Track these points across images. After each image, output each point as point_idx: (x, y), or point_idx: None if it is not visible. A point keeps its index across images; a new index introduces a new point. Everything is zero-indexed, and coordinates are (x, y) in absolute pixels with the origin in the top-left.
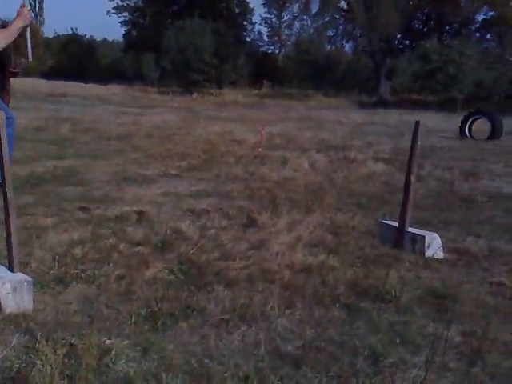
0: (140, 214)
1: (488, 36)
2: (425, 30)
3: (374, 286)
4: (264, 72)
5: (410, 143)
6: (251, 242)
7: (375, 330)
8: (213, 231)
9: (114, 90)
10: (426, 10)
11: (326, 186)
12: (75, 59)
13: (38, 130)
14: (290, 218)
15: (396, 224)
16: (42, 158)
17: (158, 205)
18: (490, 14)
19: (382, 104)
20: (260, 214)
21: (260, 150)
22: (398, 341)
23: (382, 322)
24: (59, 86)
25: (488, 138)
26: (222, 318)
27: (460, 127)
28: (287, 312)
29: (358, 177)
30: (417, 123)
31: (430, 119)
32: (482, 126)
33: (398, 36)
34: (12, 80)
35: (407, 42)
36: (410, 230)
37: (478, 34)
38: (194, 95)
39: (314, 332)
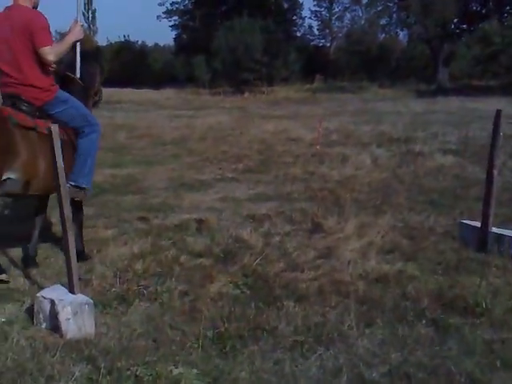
0: (199, 222)
1: None
2: (483, 11)
3: (460, 296)
4: (316, 66)
5: (478, 132)
6: (318, 249)
7: (470, 350)
8: (276, 238)
9: (166, 94)
10: None
11: (392, 184)
12: (128, 65)
13: None
14: (358, 221)
15: (478, 224)
16: (100, 167)
17: (217, 211)
18: None
19: (442, 91)
20: (325, 217)
21: (318, 147)
22: (498, 364)
23: (477, 341)
24: (114, 92)
25: None
26: (296, 340)
27: None
28: (367, 331)
29: (427, 171)
30: (498, 112)
31: (495, 105)
32: None
33: (455, 20)
34: None
35: (464, 25)
36: (495, 230)
37: None
38: (246, 94)
39: (399, 355)
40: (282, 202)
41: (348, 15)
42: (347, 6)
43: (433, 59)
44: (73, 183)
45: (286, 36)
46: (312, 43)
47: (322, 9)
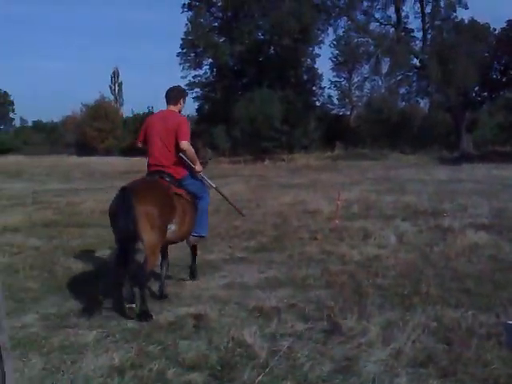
0: (198, 318)
1: None
2: (504, 79)
3: None
4: (336, 134)
5: (510, 203)
6: (336, 360)
7: None
8: (285, 343)
9: None
10: (504, 60)
11: (421, 267)
12: None
13: (104, 213)
14: (383, 320)
15: None
16: (105, 246)
17: (219, 303)
18: None
19: (466, 158)
20: (344, 313)
21: (337, 221)
22: None
23: None
24: (136, 162)
25: None
26: None
27: None
28: None
29: (458, 251)
30: None
31: None
32: None
33: (476, 88)
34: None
35: (485, 93)
36: None
37: None
38: (266, 162)
39: None
40: (295, 289)
41: (368, 84)
42: (366, 76)
43: (455, 126)
44: (196, 234)
45: (305, 105)
46: (332, 112)
47: (342, 79)
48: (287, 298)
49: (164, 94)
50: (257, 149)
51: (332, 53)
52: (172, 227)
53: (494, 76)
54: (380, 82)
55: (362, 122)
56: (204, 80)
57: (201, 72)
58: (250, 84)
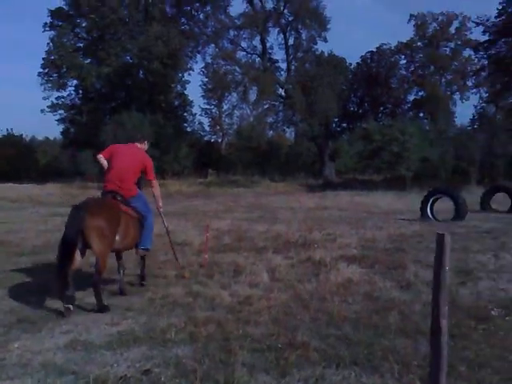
0: None
1: (421, 114)
2: (360, 111)
3: None
4: (208, 160)
5: (374, 231)
6: None
7: None
8: None
9: (50, 189)
10: (360, 93)
11: (295, 310)
12: (12, 160)
13: None
14: None
15: None
16: None
17: (52, 373)
18: (421, 93)
19: (329, 186)
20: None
21: (206, 256)
22: None
23: None
24: None
25: (453, 219)
26: None
27: (421, 208)
28: None
29: (332, 289)
30: (440, 237)
31: (382, 199)
32: (442, 205)
33: (335, 119)
34: None
35: (344, 124)
36: None
37: (411, 113)
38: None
39: None
40: (151, 347)
41: (237, 112)
42: (235, 104)
43: (319, 155)
44: (142, 247)
45: (176, 131)
46: (204, 139)
47: (212, 106)
48: (141, 361)
49: (130, 134)
50: None
51: (202, 80)
52: (117, 238)
53: (352, 108)
54: (248, 111)
55: (233, 149)
56: (69, 102)
57: (65, 93)
58: (118, 107)
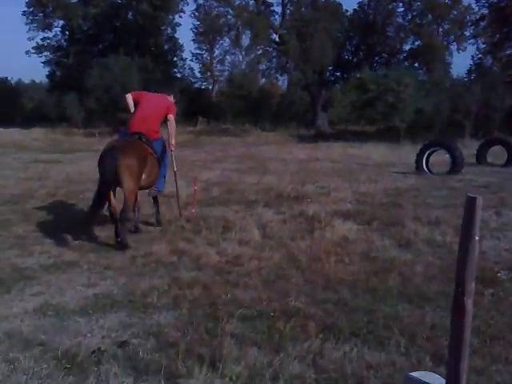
0: None
1: (416, 65)
2: (354, 60)
3: None
4: (198, 108)
5: (368, 185)
6: None
7: None
8: None
9: (35, 134)
10: (355, 42)
11: (288, 272)
12: None
13: None
14: (243, 372)
15: (436, 379)
16: None
17: (18, 344)
18: (417, 43)
19: (321, 137)
20: (190, 362)
21: (194, 210)
22: None
23: None
24: None
25: (449, 172)
26: None
27: (416, 161)
28: None
29: (327, 248)
30: (471, 201)
31: (375, 151)
32: (437, 157)
33: (330, 68)
34: None
35: (338, 73)
36: None
37: (406, 63)
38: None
39: None
40: (130, 313)
41: (229, 58)
42: (227, 49)
43: (311, 105)
44: (156, 188)
45: (165, 76)
46: (194, 86)
47: (203, 51)
48: (118, 331)
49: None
50: (114, 120)
51: (193, 23)
52: (143, 176)
53: (346, 56)
54: (241, 57)
55: (223, 97)
56: (55, 43)
57: (51, 34)
58: (105, 50)
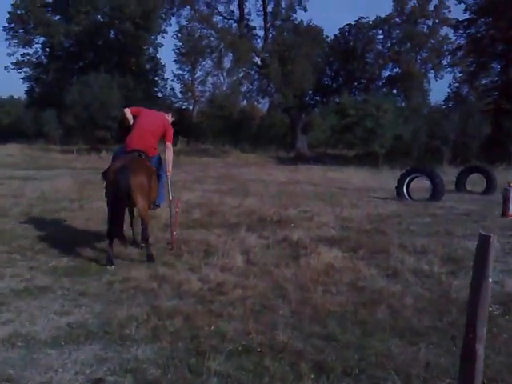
0: None
1: (394, 91)
2: (334, 85)
3: None
4: (179, 128)
5: (350, 210)
6: None
7: None
8: None
9: (10, 150)
10: (335, 67)
11: (274, 302)
12: None
13: None
14: None
15: None
16: None
17: None
18: (395, 70)
19: (301, 159)
20: None
21: (174, 233)
22: None
23: None
24: None
25: (429, 199)
26: None
27: (397, 187)
28: None
29: (313, 277)
30: (485, 240)
31: (355, 176)
32: (418, 184)
33: (310, 92)
34: None
35: (318, 97)
36: None
37: (384, 90)
38: (103, 153)
39: None
40: (106, 345)
41: (210, 79)
42: (209, 70)
43: (292, 128)
44: (157, 203)
45: (146, 95)
46: (175, 105)
47: (185, 72)
48: (92, 366)
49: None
50: (92, 138)
51: (175, 44)
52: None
53: (326, 81)
54: (222, 79)
55: (204, 117)
56: (35, 60)
57: (31, 51)
58: (86, 68)
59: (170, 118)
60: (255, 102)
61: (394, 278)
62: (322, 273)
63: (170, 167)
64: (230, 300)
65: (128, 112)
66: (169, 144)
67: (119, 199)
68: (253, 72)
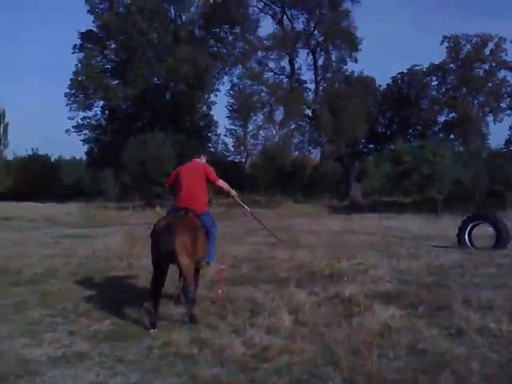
0: None
1: (451, 136)
2: (388, 133)
3: None
4: (231, 180)
5: (408, 262)
6: None
7: None
8: None
9: (69, 209)
10: (388, 115)
11: (323, 370)
12: (35, 179)
13: None
14: None
15: None
16: None
17: None
18: (452, 115)
19: (354, 208)
20: None
21: (219, 291)
22: None
23: None
24: (6, 208)
25: (493, 247)
26: None
27: (458, 234)
28: None
29: (367, 339)
30: None
31: (412, 223)
32: (481, 231)
33: (363, 140)
34: None
35: (371, 145)
36: None
37: (441, 135)
38: (157, 209)
39: None
40: None
41: (262, 133)
42: (261, 124)
43: (345, 176)
44: (206, 260)
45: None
46: (227, 159)
47: (237, 127)
48: None
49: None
50: (147, 194)
51: (228, 101)
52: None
53: (380, 129)
54: (274, 131)
55: (256, 169)
56: (94, 122)
57: (90, 114)
58: (143, 128)
59: (203, 159)
60: (307, 153)
61: (458, 338)
62: (377, 334)
63: (231, 191)
64: (275, 368)
65: (170, 182)
66: (219, 181)
67: (162, 258)
68: (304, 123)
